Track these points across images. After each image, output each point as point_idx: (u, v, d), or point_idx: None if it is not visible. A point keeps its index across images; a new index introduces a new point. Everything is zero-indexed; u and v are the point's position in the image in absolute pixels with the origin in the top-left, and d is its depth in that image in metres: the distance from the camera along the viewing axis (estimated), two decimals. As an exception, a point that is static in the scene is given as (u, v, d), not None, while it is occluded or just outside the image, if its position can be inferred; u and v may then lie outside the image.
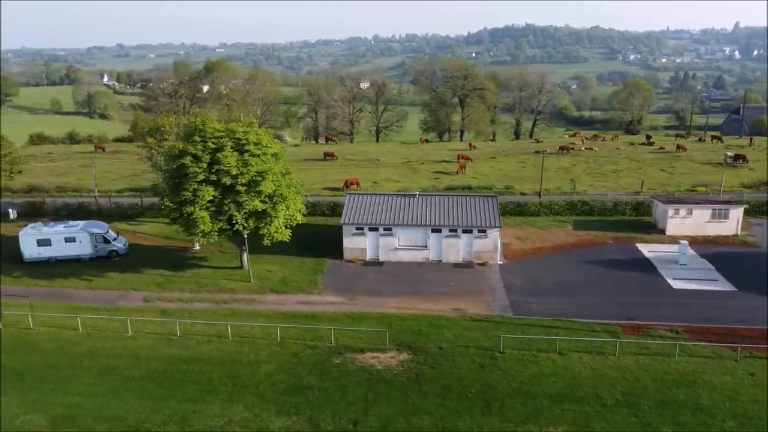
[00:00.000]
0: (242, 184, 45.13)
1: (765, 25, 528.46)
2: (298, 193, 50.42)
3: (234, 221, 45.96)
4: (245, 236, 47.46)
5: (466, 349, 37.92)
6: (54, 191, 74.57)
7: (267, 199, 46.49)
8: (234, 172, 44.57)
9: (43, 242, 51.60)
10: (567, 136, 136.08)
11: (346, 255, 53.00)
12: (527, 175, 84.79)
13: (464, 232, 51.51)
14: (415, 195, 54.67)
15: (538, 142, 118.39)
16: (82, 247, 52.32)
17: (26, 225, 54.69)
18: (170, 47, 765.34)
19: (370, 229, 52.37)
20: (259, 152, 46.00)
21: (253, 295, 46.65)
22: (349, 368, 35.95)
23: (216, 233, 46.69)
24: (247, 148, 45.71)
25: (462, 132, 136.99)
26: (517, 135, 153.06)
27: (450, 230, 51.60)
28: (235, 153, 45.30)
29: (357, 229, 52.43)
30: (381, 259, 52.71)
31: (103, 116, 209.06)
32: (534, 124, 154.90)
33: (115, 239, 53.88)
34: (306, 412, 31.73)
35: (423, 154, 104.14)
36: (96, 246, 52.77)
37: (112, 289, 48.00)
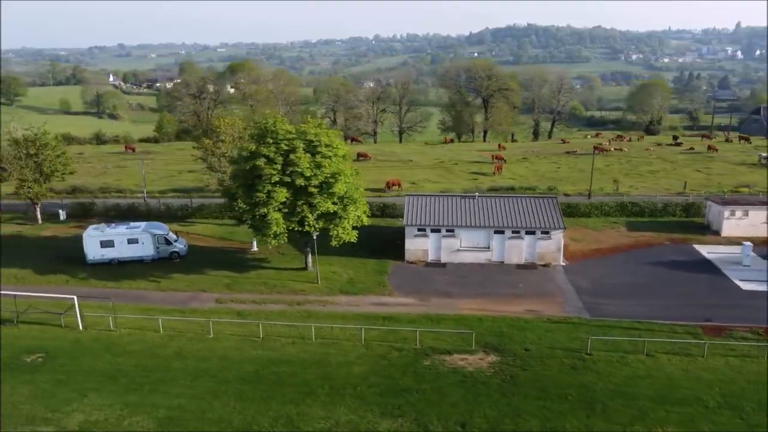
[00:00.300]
0: (314, 186, 45.17)
1: (765, 25, 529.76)
2: (363, 195, 50.49)
3: (306, 222, 45.96)
4: (314, 237, 47.46)
5: (552, 350, 37.99)
6: (98, 192, 74.46)
7: (338, 201, 46.55)
8: (308, 174, 44.60)
9: (107, 243, 51.58)
10: (589, 136, 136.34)
11: (408, 256, 53.07)
12: (563, 176, 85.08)
13: (527, 233, 51.59)
14: (475, 196, 54.76)
15: (564, 142, 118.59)
16: (145, 249, 52.30)
17: (88, 227, 54.59)
18: (171, 47, 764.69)
19: (433, 231, 52.43)
20: (330, 154, 46.03)
21: (324, 296, 46.71)
22: (440, 370, 36.00)
23: (286, 235, 46.73)
24: (319, 149, 45.72)
25: (485, 132, 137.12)
26: (536, 136, 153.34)
27: (513, 231, 51.67)
28: (308, 154, 45.32)
29: (419, 230, 52.51)
30: (443, 261, 52.78)
31: (112, 116, 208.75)
32: (553, 125, 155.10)
33: (175, 240, 53.86)
34: (410, 414, 31.76)
35: (452, 155, 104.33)
36: (158, 247, 52.76)
37: (180, 290, 48.01)
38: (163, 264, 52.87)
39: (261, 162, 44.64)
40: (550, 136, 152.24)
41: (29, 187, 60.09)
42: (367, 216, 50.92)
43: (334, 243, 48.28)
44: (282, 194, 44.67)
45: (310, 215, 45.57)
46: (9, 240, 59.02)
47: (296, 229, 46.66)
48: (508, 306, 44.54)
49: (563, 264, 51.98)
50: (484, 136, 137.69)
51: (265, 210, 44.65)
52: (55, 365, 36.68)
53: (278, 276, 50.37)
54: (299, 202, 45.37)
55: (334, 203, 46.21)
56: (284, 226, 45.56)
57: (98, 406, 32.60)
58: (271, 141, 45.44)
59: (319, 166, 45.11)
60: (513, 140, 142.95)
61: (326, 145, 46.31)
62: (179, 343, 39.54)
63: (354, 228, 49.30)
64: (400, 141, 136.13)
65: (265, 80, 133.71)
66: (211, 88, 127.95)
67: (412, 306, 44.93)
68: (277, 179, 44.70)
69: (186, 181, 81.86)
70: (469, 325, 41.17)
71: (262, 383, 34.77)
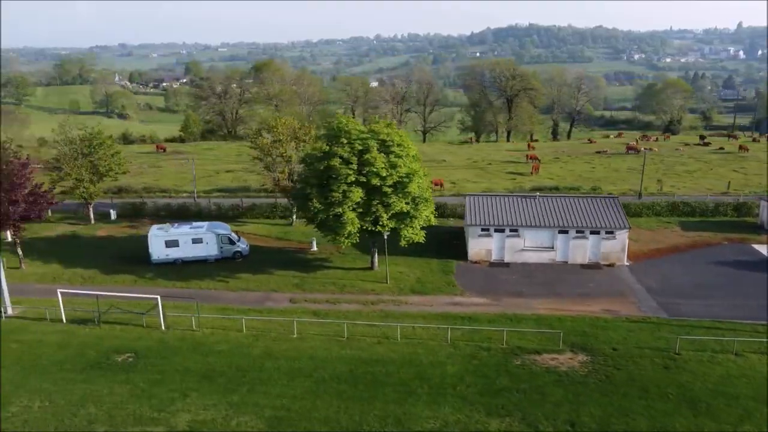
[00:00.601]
0: (388, 186, 45.20)
1: (765, 25, 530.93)
2: (431, 195, 50.55)
3: (380, 222, 46.00)
4: (385, 237, 47.48)
5: (641, 350, 38.06)
6: (142, 192, 74.35)
7: (410, 201, 46.60)
8: (383, 174, 44.62)
9: (171, 243, 51.53)
10: (611, 136, 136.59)
11: (471, 256, 53.13)
12: (600, 176, 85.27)
13: (592, 233, 51.68)
14: (536, 196, 54.85)
15: (591, 142, 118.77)
16: (209, 249, 52.29)
17: (151, 227, 54.54)
18: (172, 47, 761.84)
19: (496, 230, 52.49)
20: (402, 153, 46.08)
21: (396, 296, 46.75)
22: (534, 370, 36.06)
23: (357, 235, 46.78)
24: (392, 149, 45.76)
25: (509, 133, 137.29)
26: (554, 136, 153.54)
27: (577, 231, 51.78)
28: (382, 154, 45.35)
29: (482, 230, 52.56)
30: (506, 260, 52.86)
31: (121, 116, 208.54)
32: (572, 125, 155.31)
33: (238, 240, 53.84)
34: (516, 414, 31.80)
35: (482, 155, 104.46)
36: (221, 247, 52.75)
37: (251, 290, 48.01)
38: (226, 264, 52.86)
39: (336, 162, 44.63)
40: (569, 137, 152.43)
41: (84, 187, 59.97)
42: (435, 216, 50.92)
43: (403, 243, 48.33)
44: (357, 194, 44.71)
45: (384, 215, 45.59)
46: (65, 240, 58.96)
47: (368, 228, 46.66)
48: (584, 306, 44.63)
49: (627, 264, 52.08)
50: (508, 136, 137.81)
51: (341, 210, 44.65)
52: (147, 365, 36.64)
53: (345, 276, 50.39)
54: (374, 202, 45.40)
55: (406, 203, 46.24)
56: (359, 225, 45.55)
57: (202, 405, 32.58)
58: (345, 141, 45.43)
59: (394, 166, 45.13)
60: (532, 140, 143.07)
61: (398, 145, 46.35)
62: (264, 342, 39.53)
63: (421, 228, 49.34)
64: (424, 141, 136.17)
65: (290, 80, 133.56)
66: (235, 87, 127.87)
67: (486, 306, 45.00)
68: (353, 179, 44.70)
69: (226, 180, 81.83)
70: (549, 325, 41.28)
71: (359, 383, 34.78)
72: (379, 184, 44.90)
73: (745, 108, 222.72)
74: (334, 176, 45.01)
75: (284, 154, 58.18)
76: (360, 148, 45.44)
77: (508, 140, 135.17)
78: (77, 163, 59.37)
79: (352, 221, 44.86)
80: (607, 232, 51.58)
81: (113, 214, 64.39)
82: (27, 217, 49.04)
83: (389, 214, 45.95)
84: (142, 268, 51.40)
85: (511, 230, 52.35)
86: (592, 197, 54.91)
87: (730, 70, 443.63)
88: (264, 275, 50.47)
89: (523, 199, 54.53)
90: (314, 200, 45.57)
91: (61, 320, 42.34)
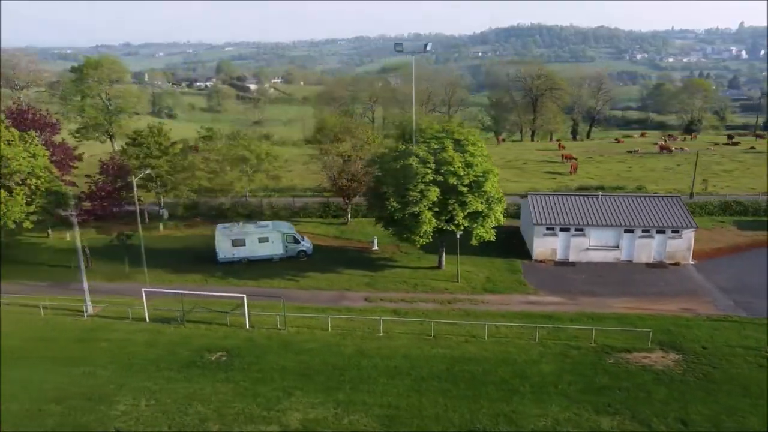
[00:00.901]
0: (464, 185, 45.26)
1: (765, 25, 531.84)
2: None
3: (455, 221, 46.06)
4: (458, 236, 47.54)
5: (731, 348, 38.17)
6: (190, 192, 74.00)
7: (484, 200, 46.67)
8: (461, 173, 44.68)
9: (238, 242, 51.50)
10: (635, 136, 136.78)
11: (536, 255, 53.24)
12: (638, 176, 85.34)
13: (658, 232, 51.81)
14: (598, 195, 54.97)
15: (618, 142, 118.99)
16: (274, 248, 52.30)
17: (217, 225, 54.49)
18: (176, 46, 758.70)
19: (561, 230, 52.57)
20: (477, 153, 46.15)
21: (470, 295, 46.83)
22: (630, 368, 36.14)
23: (431, 234, 46.83)
24: (467, 148, 45.82)
25: (533, 132, 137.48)
26: (574, 136, 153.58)
27: (643, 230, 51.88)
28: (458, 153, 45.41)
29: (548, 229, 52.64)
30: (571, 259, 52.94)
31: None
32: (592, 125, 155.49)
33: (302, 239, 53.86)
34: (625, 412, 31.86)
35: (515, 154, 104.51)
36: (287, 246, 52.73)
37: (323, 289, 48.06)
38: (291, 263, 52.87)
39: (414, 161, 44.67)
40: (588, 136, 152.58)
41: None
42: (504, 216, 50.96)
43: (474, 242, 48.39)
44: (434, 193, 44.75)
45: (460, 214, 45.65)
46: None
47: (442, 227, 46.71)
48: (661, 305, 44.74)
49: (692, 263, 52.21)
50: (532, 136, 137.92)
51: (418, 208, 44.69)
52: (242, 363, 36.64)
53: (414, 275, 50.44)
54: (450, 201, 45.44)
55: (481, 202, 46.30)
56: (434, 224, 45.61)
57: (309, 404, 32.59)
58: (421, 140, 45.46)
59: (469, 165, 45.19)
60: (551, 140, 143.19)
61: (472, 144, 46.42)
62: (353, 341, 39.57)
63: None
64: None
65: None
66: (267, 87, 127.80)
67: (563, 305, 45.09)
68: (431, 178, 44.74)
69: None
70: (632, 324, 41.38)
71: (459, 381, 34.81)
72: (455, 183, 44.93)
73: (751, 108, 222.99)
74: (410, 175, 44.99)
75: (343, 153, 58.20)
76: (435, 146, 45.47)
77: (532, 140, 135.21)
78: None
79: (429, 220, 44.90)
80: (673, 231, 51.70)
81: (165, 214, 64.28)
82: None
83: (464, 213, 45.98)
84: (209, 267, 51.41)
85: (576, 229, 52.42)
86: (655, 196, 55.06)
87: (734, 70, 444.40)
88: (332, 274, 50.49)
89: (586, 199, 54.62)
90: (391, 199, 45.54)
91: (144, 319, 42.30)
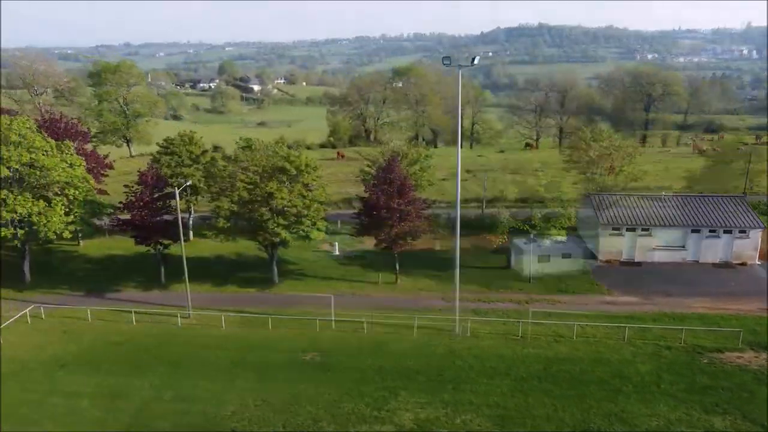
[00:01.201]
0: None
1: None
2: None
3: (532, 222, 46.31)
4: (531, 236, 47.75)
5: (823, 348, 38.29)
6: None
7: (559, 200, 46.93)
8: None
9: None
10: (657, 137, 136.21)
11: (602, 255, 53.31)
12: (680, 175, 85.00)
13: (725, 232, 51.88)
14: (663, 195, 55.07)
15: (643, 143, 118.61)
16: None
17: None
18: (176, 46, 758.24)
19: (628, 230, 52.68)
20: None
21: (546, 295, 47.00)
22: (725, 368, 36.26)
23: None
24: None
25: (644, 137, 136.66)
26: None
27: (710, 230, 51.97)
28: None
29: (614, 229, 52.74)
30: (637, 259, 53.01)
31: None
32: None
33: None
34: (734, 412, 31.95)
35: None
36: None
37: (398, 291, 48.14)
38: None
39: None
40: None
41: None
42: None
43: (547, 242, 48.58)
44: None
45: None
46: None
47: (520, 228, 47.01)
48: (739, 304, 44.82)
49: (759, 263, 52.27)
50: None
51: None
52: (337, 363, 36.85)
53: (484, 275, 50.59)
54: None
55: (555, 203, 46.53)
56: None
57: (417, 404, 32.79)
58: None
59: None
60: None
61: None
62: (441, 340, 39.81)
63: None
64: (471, 147, 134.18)
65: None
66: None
67: (641, 305, 45.22)
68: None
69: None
70: (716, 323, 41.55)
71: (559, 381, 34.95)
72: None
73: (758, 108, 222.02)
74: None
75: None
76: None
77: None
78: None
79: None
80: (740, 231, 51.76)
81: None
82: None
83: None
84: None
85: (642, 229, 52.51)
86: (719, 196, 55.10)
87: (744, 71, 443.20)
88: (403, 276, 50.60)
89: (650, 199, 54.70)
90: None
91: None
